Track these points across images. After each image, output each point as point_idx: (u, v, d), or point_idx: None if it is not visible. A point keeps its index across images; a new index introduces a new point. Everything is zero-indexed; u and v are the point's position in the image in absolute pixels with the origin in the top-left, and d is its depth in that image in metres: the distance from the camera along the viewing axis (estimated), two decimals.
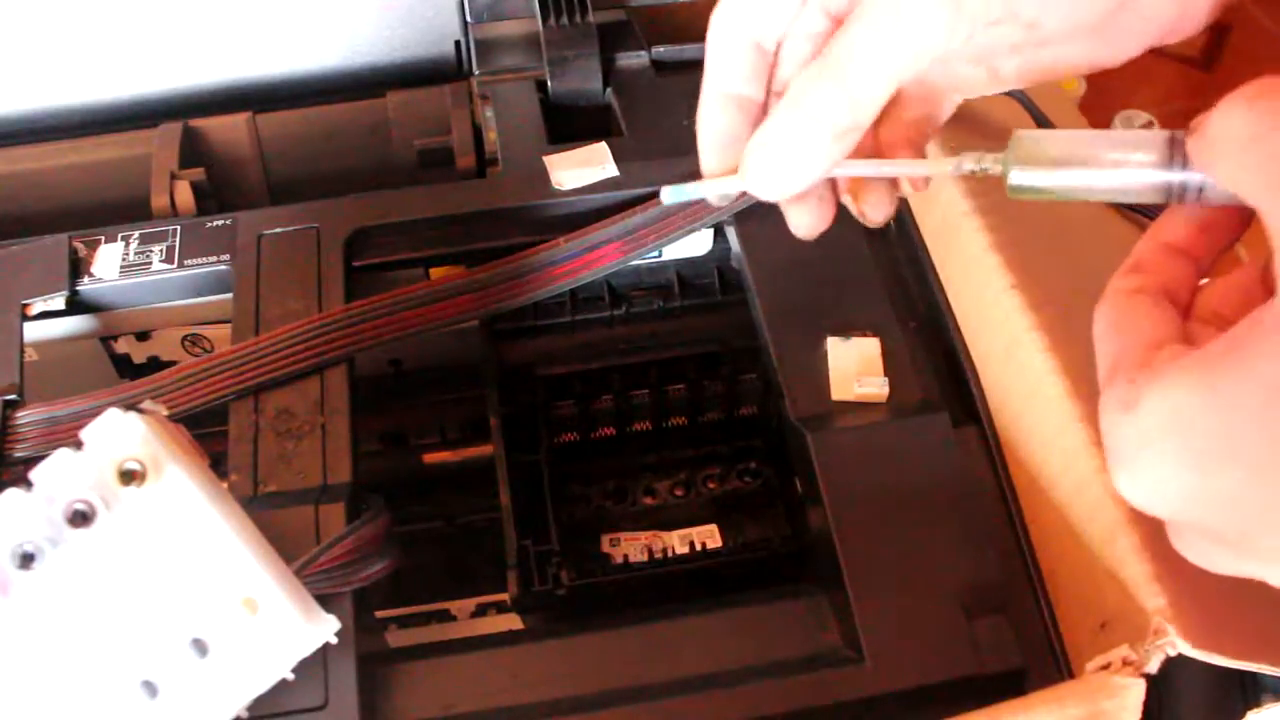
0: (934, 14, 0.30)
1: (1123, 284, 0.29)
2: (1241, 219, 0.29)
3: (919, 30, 0.30)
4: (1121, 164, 0.29)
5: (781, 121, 0.31)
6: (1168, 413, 0.24)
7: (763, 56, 0.34)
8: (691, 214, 0.47)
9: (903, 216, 0.48)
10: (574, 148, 0.50)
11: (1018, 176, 0.31)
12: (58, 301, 0.47)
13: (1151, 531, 0.35)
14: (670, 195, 0.35)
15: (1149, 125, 1.04)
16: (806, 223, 0.36)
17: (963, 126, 0.48)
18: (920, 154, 0.36)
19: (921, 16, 0.30)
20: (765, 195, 0.33)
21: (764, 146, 0.32)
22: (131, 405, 0.34)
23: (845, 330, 0.44)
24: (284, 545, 0.35)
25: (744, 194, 0.34)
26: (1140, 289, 0.28)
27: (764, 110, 0.34)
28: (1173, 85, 1.59)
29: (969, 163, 0.32)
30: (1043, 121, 0.49)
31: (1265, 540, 0.25)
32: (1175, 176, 0.28)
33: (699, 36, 0.58)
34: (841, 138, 0.31)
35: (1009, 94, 0.48)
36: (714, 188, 0.34)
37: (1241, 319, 0.24)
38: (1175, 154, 0.28)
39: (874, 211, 0.36)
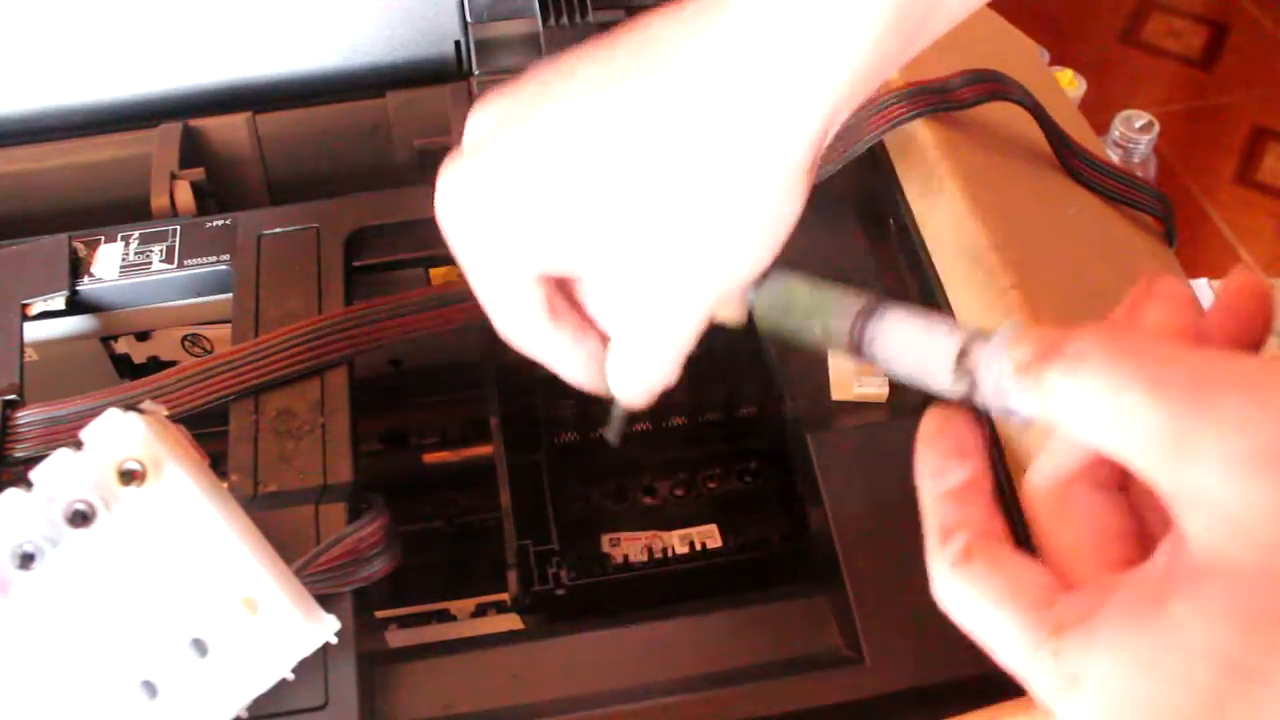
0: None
1: (950, 553, 0.27)
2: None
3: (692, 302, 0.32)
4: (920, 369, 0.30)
5: (618, 379, 0.34)
6: (1118, 691, 0.23)
7: (555, 303, 0.34)
8: None
9: (902, 216, 0.48)
10: None
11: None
12: (58, 301, 0.47)
13: None
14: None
15: (1149, 126, 1.04)
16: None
17: (960, 129, 0.48)
18: None
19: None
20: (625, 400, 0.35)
21: (617, 386, 0.34)
22: (131, 405, 0.34)
23: None
24: (284, 545, 0.35)
25: None
26: (974, 551, 0.27)
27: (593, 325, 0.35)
28: (1172, 85, 1.59)
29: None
30: (1046, 122, 0.49)
31: None
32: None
33: None
34: (678, 360, 0.33)
35: (1013, 101, 0.48)
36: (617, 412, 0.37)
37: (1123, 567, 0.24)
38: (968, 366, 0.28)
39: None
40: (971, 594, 0.26)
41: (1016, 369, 0.25)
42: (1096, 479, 0.27)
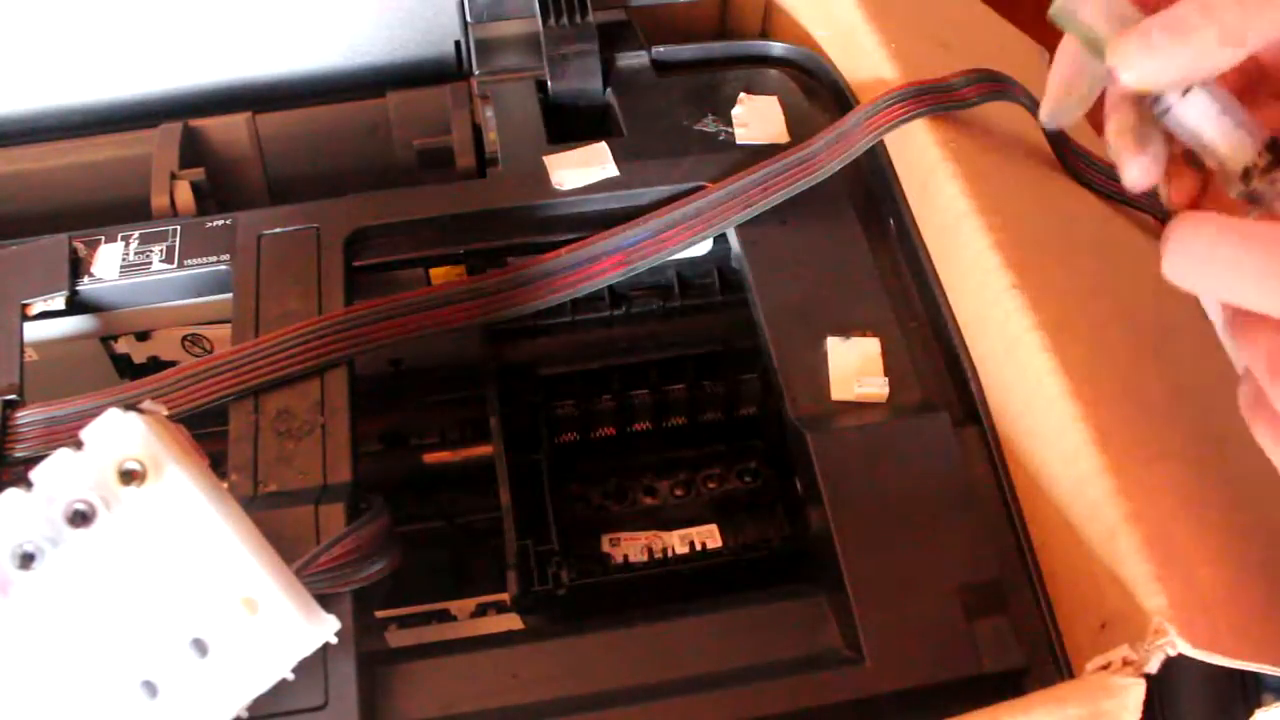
0: None
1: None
2: None
3: None
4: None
5: (1182, 13, 0.31)
6: None
7: None
8: (692, 226, 0.47)
9: (902, 216, 0.48)
10: (574, 148, 0.50)
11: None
12: (58, 301, 0.47)
13: (1152, 531, 0.35)
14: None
15: None
16: (1136, 175, 0.36)
17: (960, 129, 0.48)
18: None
19: None
20: (1129, 72, 0.33)
21: (1156, 27, 0.32)
22: (131, 405, 0.34)
23: (845, 330, 0.44)
24: (284, 545, 0.35)
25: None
26: None
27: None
28: None
29: None
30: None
31: None
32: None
33: (699, 36, 0.58)
34: (1223, 46, 0.31)
35: (1015, 101, 0.48)
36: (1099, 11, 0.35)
37: None
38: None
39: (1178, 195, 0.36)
40: None
41: None
42: None
